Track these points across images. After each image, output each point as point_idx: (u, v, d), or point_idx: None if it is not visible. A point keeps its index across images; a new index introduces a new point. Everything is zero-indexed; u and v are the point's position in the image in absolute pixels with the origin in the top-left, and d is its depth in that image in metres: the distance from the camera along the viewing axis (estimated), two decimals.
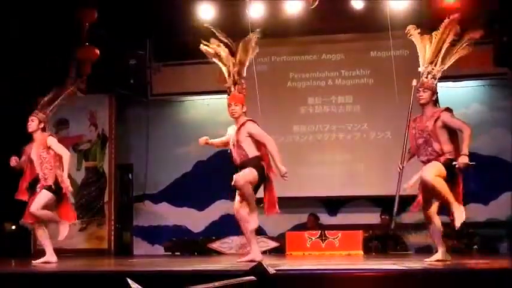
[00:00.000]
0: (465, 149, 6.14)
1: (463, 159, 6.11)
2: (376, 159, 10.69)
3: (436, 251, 6.46)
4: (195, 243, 10.86)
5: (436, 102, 6.43)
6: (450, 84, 10.23)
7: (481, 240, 10.12)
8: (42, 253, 7.53)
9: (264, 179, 6.73)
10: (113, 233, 11.17)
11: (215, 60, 7.03)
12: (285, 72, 11.10)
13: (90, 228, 11.21)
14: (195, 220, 11.50)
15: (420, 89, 6.40)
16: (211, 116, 11.41)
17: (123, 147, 11.76)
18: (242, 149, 6.74)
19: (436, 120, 6.30)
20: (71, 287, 5.23)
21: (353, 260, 8.02)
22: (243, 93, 6.88)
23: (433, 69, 6.46)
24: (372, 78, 10.99)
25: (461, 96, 10.64)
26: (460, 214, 6.16)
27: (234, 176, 6.60)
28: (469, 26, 6.69)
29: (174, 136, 11.67)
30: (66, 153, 7.44)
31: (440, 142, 6.29)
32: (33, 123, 7.49)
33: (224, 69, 6.96)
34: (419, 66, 6.55)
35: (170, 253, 10.84)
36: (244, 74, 6.93)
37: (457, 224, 6.16)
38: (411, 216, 9.86)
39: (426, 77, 6.44)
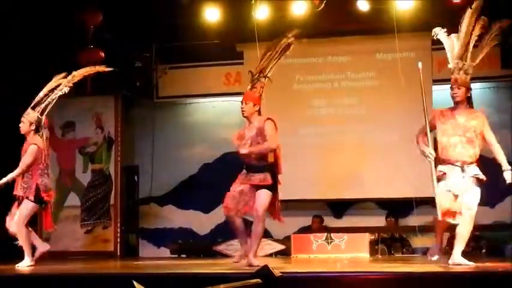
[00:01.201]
0: (506, 164, 6.15)
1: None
2: (382, 161, 10.64)
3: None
4: (201, 246, 10.85)
5: (469, 101, 6.26)
6: None
7: (488, 243, 10.06)
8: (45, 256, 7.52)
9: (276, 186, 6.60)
10: (118, 235, 11.15)
11: None
12: (290, 74, 11.06)
13: (96, 230, 11.20)
14: (201, 222, 11.48)
15: (454, 86, 6.18)
16: (217, 119, 11.44)
17: (129, 149, 11.74)
18: None
19: (483, 123, 6.16)
20: None
21: (359, 262, 7.99)
22: (260, 92, 6.78)
23: (464, 64, 6.23)
24: (378, 80, 10.94)
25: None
26: (458, 257, 6.09)
27: (255, 200, 6.59)
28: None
29: (180, 138, 11.67)
30: (21, 165, 7.08)
31: (478, 147, 6.17)
32: (23, 125, 7.21)
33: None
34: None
35: (176, 255, 10.82)
36: (269, 74, 6.92)
37: (451, 261, 6.10)
38: (417, 218, 9.85)
39: (458, 73, 6.22)
